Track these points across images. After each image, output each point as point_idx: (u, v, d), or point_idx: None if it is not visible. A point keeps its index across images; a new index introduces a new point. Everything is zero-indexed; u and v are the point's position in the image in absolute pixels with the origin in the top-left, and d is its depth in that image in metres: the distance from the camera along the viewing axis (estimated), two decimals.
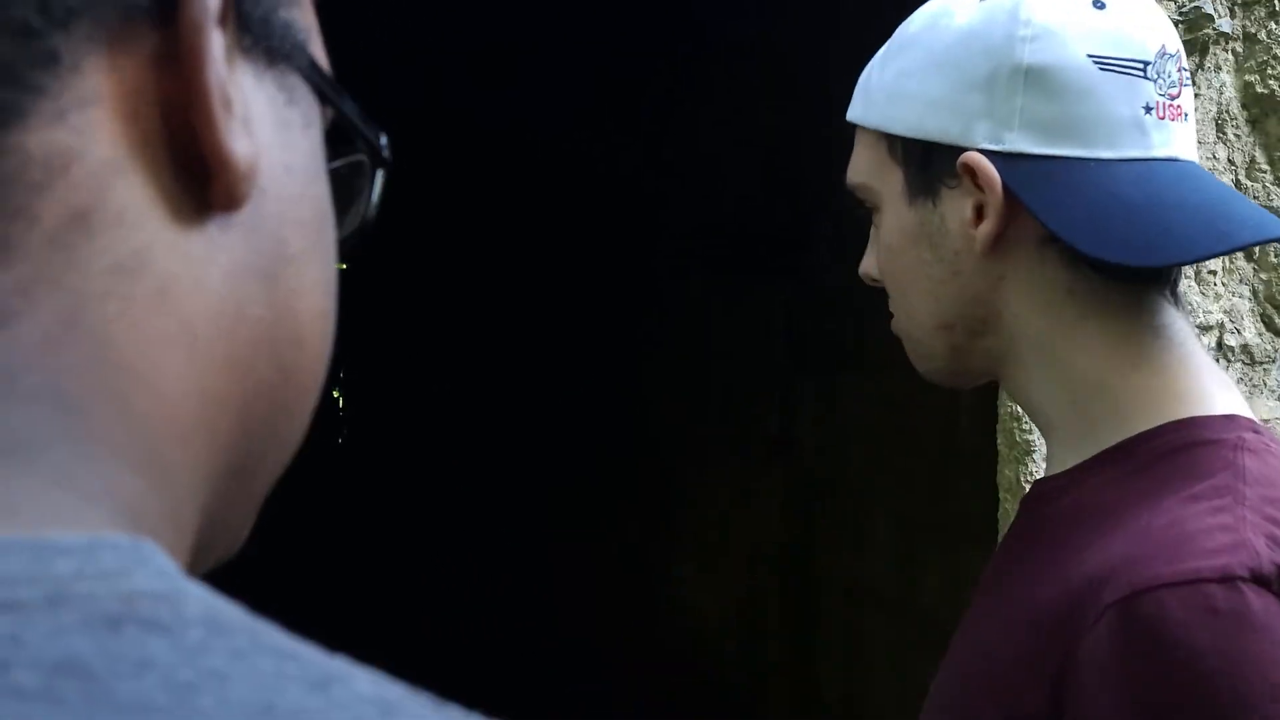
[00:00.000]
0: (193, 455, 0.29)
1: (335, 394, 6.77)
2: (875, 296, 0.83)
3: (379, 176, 0.36)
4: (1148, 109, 0.71)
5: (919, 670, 0.80)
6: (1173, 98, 0.72)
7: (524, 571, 5.05)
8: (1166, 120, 0.72)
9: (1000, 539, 1.46)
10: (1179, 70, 0.73)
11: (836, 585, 3.40)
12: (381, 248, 6.46)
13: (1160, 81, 0.72)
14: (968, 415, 2.72)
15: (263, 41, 0.30)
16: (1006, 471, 1.45)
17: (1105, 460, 0.71)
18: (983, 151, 0.71)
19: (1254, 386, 1.49)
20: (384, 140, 0.36)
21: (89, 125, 0.27)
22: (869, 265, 0.81)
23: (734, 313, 3.89)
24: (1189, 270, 1.46)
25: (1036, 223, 0.70)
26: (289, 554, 6.03)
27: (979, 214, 0.72)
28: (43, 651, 0.22)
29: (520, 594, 5.03)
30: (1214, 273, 1.49)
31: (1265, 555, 0.61)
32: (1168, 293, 0.74)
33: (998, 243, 0.72)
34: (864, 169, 0.78)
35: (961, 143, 0.71)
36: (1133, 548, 0.64)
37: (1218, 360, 1.48)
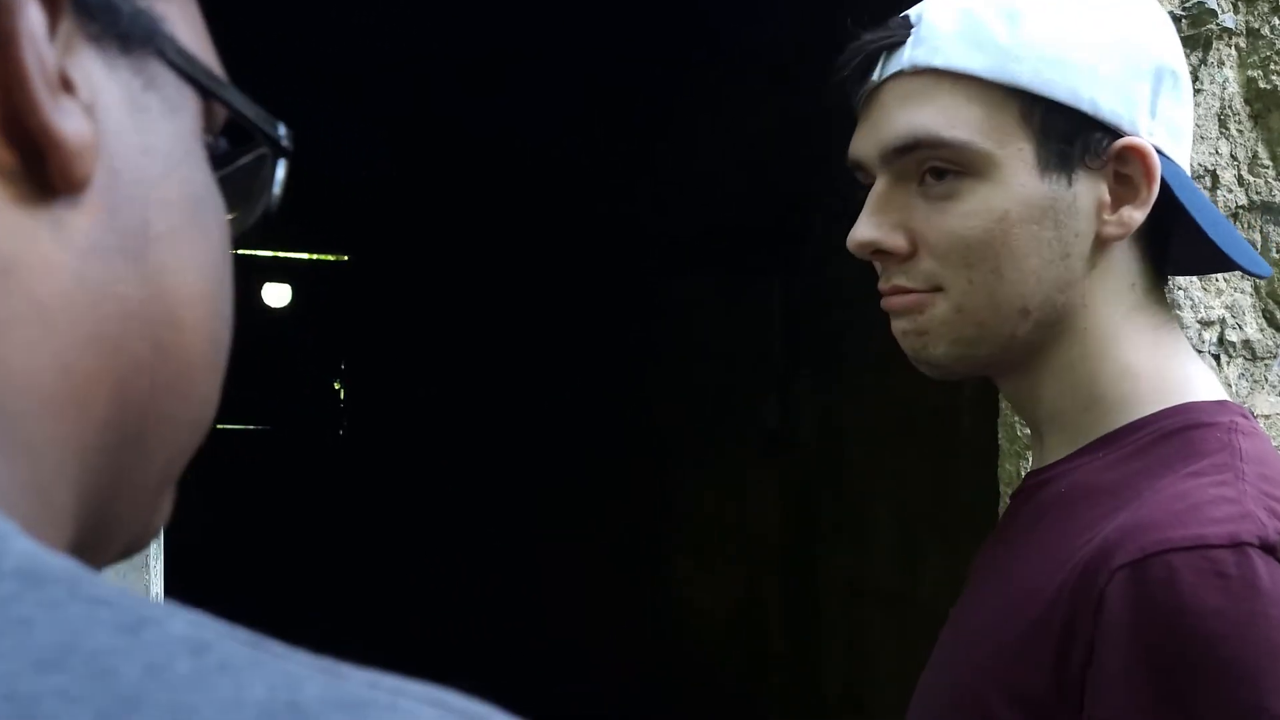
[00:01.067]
0: (62, 431, 0.29)
1: (337, 386, 6.77)
2: (873, 289, 0.80)
3: (280, 165, 0.37)
4: None
5: (920, 665, 0.80)
6: None
7: (517, 569, 5.05)
8: None
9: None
10: None
11: (837, 580, 3.40)
12: (381, 252, 6.46)
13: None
14: (969, 410, 2.72)
15: (111, 29, 0.31)
16: (1007, 465, 1.45)
17: (1103, 444, 0.73)
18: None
19: (1255, 382, 1.49)
20: (282, 130, 0.37)
21: None
22: (884, 235, 0.74)
23: (730, 308, 3.89)
24: None
25: (1197, 223, 0.73)
26: (279, 555, 6.04)
27: (1116, 200, 0.72)
28: None
29: (513, 591, 5.04)
30: None
31: (1270, 524, 0.63)
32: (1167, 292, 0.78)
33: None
34: (974, 126, 0.70)
35: (1126, 127, 0.71)
36: (1140, 516, 0.65)
37: (1219, 356, 1.48)
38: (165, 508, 0.36)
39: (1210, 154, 1.45)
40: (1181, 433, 0.70)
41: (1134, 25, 0.73)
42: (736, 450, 3.81)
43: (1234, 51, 1.48)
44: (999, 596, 0.73)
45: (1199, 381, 0.74)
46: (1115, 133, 0.71)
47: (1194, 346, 1.50)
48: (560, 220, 4.85)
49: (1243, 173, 1.48)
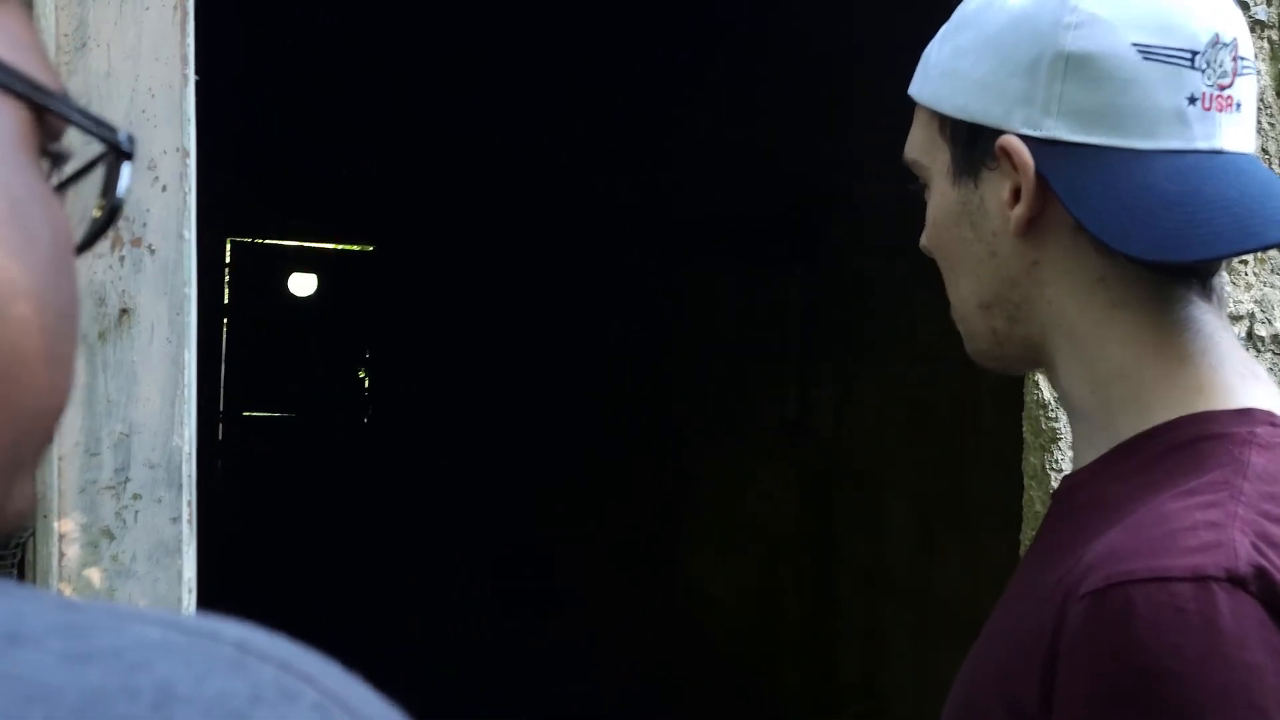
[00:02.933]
0: None
1: (361, 374, 6.81)
2: (902, 279, 0.83)
3: (125, 168, 0.39)
4: (1192, 100, 0.70)
5: (936, 656, 0.81)
6: (1222, 88, 0.70)
7: (535, 556, 5.07)
8: (1213, 111, 0.70)
9: (1024, 527, 1.47)
10: (1234, 59, 0.71)
11: (854, 571, 3.40)
12: (405, 243, 6.46)
13: (1209, 71, 0.70)
14: (990, 402, 2.72)
15: None
16: (1032, 459, 1.45)
17: (1120, 454, 0.71)
18: (1021, 136, 0.70)
19: None
20: (124, 135, 0.39)
21: None
22: (922, 240, 0.81)
23: (750, 300, 3.89)
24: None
25: (1070, 212, 0.70)
26: (304, 541, 6.08)
27: (1015, 197, 0.72)
28: None
29: (531, 578, 5.06)
30: (1245, 262, 1.48)
31: (1244, 555, 0.60)
32: (1198, 285, 0.73)
33: (1033, 227, 0.72)
34: (917, 145, 0.79)
35: (1002, 126, 0.71)
36: (1115, 541, 0.64)
37: (1247, 350, 1.47)
38: (23, 492, 0.37)
39: None
40: (1191, 445, 0.68)
41: (1023, 20, 0.71)
42: (754, 441, 3.81)
43: (1266, 44, 1.46)
44: (1015, 604, 0.72)
45: (1222, 387, 0.70)
46: (1000, 133, 0.72)
47: None
48: (584, 212, 4.86)
49: (1274, 167, 1.47)
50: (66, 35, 1.04)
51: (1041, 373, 0.81)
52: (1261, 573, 0.60)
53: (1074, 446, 0.78)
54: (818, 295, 3.59)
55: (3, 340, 0.34)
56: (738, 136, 3.92)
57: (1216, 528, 0.61)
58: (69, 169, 0.39)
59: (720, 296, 4.04)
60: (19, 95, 0.35)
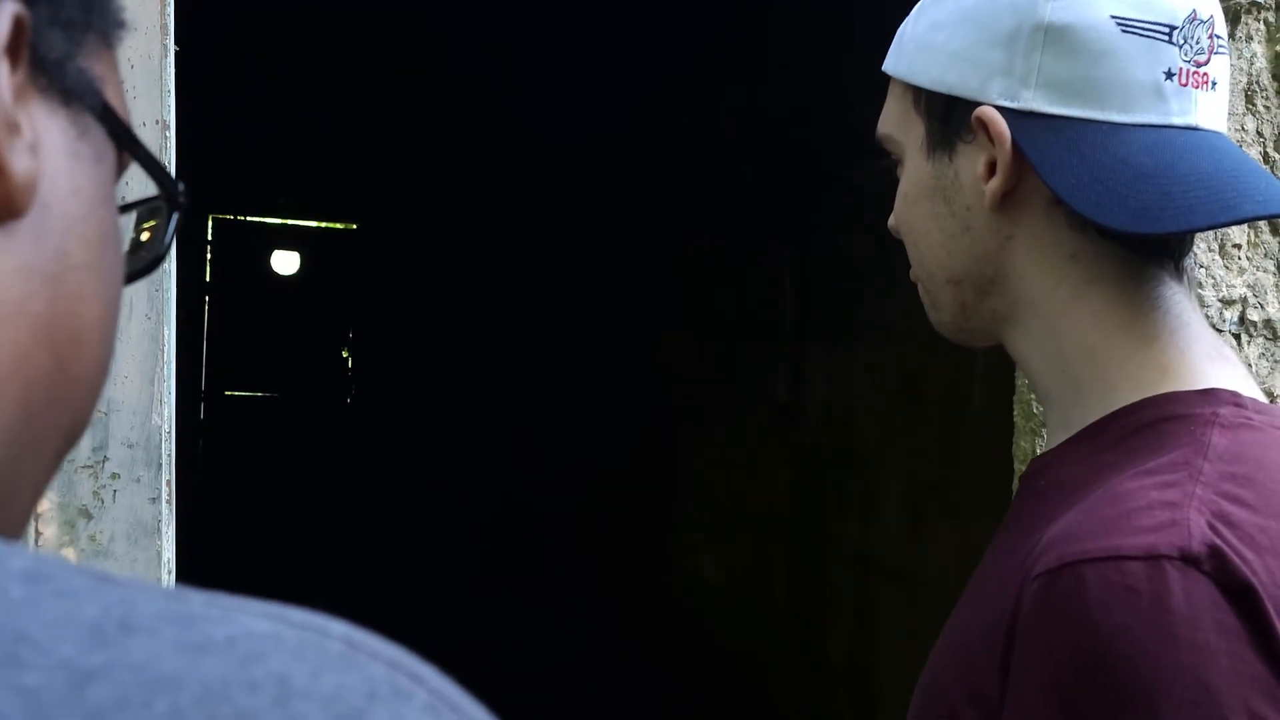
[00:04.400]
0: None
1: (344, 353, 6.77)
2: (895, 262, 0.83)
3: (174, 218, 0.42)
4: (1169, 75, 0.70)
5: (926, 639, 0.80)
6: (1199, 65, 0.70)
7: (525, 540, 5.07)
8: (1189, 88, 0.70)
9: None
10: (1210, 37, 0.71)
11: (844, 553, 3.40)
12: (390, 221, 6.46)
13: (1186, 47, 0.70)
14: (981, 386, 2.71)
15: (58, 83, 0.36)
16: (1022, 443, 1.44)
17: (1085, 436, 0.71)
18: (998, 108, 0.70)
19: (1276, 362, 1.48)
20: (180, 186, 0.42)
21: None
22: (890, 220, 0.80)
23: (742, 280, 3.88)
24: (1213, 243, 1.44)
25: (1046, 183, 0.69)
26: (285, 522, 6.07)
27: (991, 170, 0.72)
28: None
29: (520, 562, 5.07)
30: (1239, 246, 1.47)
31: (1198, 535, 0.59)
32: (1171, 265, 0.73)
33: (1008, 201, 0.72)
34: (891, 120, 0.78)
35: (978, 97, 0.71)
36: (1075, 521, 0.63)
37: (1239, 335, 1.46)
38: (32, 508, 0.39)
39: (1236, 130, 1.43)
40: (1154, 426, 0.67)
41: None
42: (746, 422, 3.81)
43: (1262, 26, 1.45)
44: (979, 589, 0.72)
45: (1189, 368, 0.70)
46: (976, 105, 0.71)
47: (1214, 325, 1.49)
48: (575, 191, 4.84)
49: (1269, 150, 1.45)
50: None
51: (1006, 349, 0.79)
52: (1216, 552, 0.59)
53: (1046, 428, 0.77)
54: (810, 276, 3.58)
55: (73, 364, 0.35)
56: (733, 117, 3.90)
57: (1172, 507, 0.61)
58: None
59: (713, 277, 4.03)
60: (119, 139, 0.38)
